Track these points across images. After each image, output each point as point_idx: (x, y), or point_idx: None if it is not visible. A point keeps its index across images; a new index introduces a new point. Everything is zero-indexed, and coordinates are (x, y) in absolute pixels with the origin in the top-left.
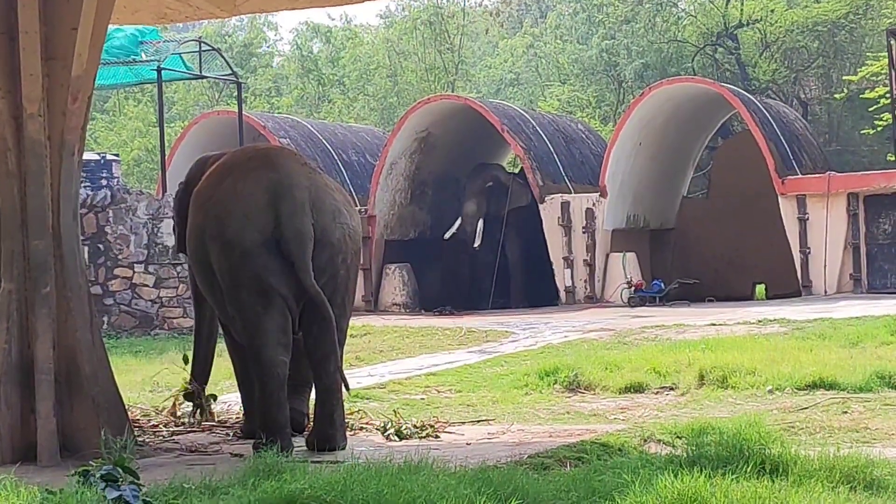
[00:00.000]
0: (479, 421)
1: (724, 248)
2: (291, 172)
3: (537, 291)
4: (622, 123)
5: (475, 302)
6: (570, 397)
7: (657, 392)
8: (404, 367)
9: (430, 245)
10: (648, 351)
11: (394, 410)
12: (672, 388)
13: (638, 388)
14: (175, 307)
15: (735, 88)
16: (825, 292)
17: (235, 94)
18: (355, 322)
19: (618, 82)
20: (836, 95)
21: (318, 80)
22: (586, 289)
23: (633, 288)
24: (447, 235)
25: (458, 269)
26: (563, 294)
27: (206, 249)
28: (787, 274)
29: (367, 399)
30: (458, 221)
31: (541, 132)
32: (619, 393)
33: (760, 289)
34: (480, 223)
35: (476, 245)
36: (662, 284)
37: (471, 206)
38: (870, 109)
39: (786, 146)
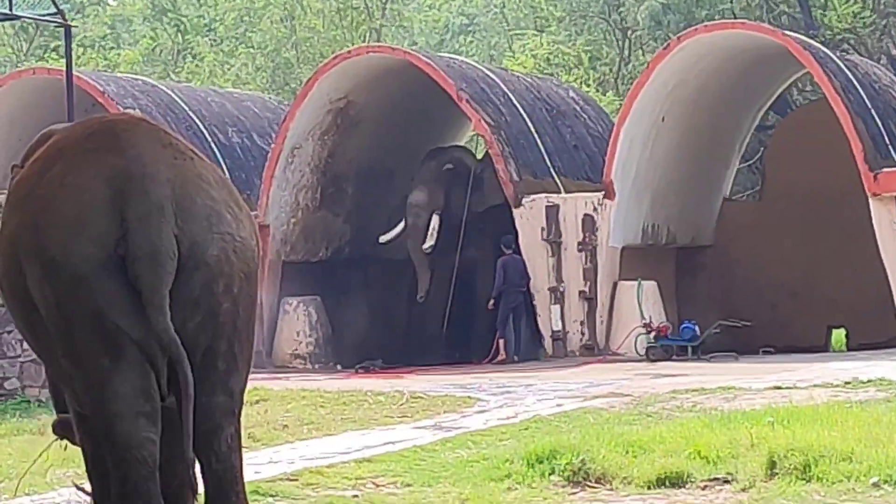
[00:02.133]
0: None
1: (786, 276)
2: (146, 157)
3: (510, 337)
4: (636, 91)
5: (418, 353)
6: (574, 494)
7: (705, 486)
8: (323, 450)
9: (348, 269)
10: (687, 426)
11: None
12: (728, 481)
13: (677, 481)
14: None
15: (804, 39)
16: None
17: (58, 43)
18: None
19: (622, 31)
20: None
21: (177, 25)
22: (584, 334)
23: (653, 333)
24: (384, 238)
25: (392, 304)
26: (548, 342)
27: (21, 271)
28: (880, 313)
29: (273, 496)
30: (403, 222)
31: (515, 102)
32: (649, 488)
33: (839, 335)
34: (435, 219)
35: (426, 246)
36: (697, 328)
37: (419, 196)
38: None
39: (879, 124)
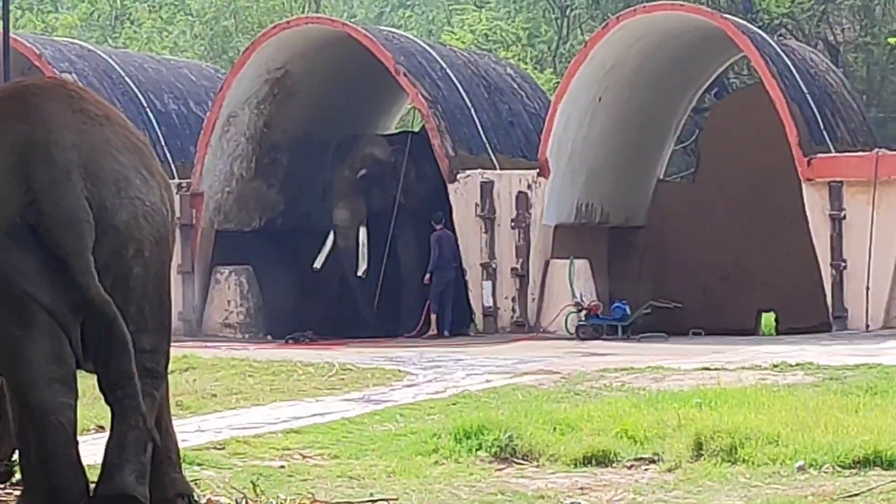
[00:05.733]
0: (372, 502)
1: (718, 258)
2: (52, 122)
3: (442, 312)
4: (574, 69)
5: (348, 326)
6: (501, 470)
7: (631, 465)
8: (250, 420)
9: (281, 239)
10: (615, 405)
11: (251, 482)
12: (653, 461)
13: (603, 460)
14: None
15: (742, 23)
16: (867, 326)
17: None
18: (172, 352)
19: (561, 9)
20: (889, 40)
21: None
22: (514, 311)
23: (584, 312)
24: (318, 264)
25: (323, 276)
26: (479, 318)
27: None
28: (810, 298)
29: (199, 465)
30: (330, 240)
31: (453, 77)
32: (576, 466)
33: (769, 318)
34: (363, 233)
35: (360, 273)
36: (627, 308)
37: (343, 215)
38: None
39: (815, 110)
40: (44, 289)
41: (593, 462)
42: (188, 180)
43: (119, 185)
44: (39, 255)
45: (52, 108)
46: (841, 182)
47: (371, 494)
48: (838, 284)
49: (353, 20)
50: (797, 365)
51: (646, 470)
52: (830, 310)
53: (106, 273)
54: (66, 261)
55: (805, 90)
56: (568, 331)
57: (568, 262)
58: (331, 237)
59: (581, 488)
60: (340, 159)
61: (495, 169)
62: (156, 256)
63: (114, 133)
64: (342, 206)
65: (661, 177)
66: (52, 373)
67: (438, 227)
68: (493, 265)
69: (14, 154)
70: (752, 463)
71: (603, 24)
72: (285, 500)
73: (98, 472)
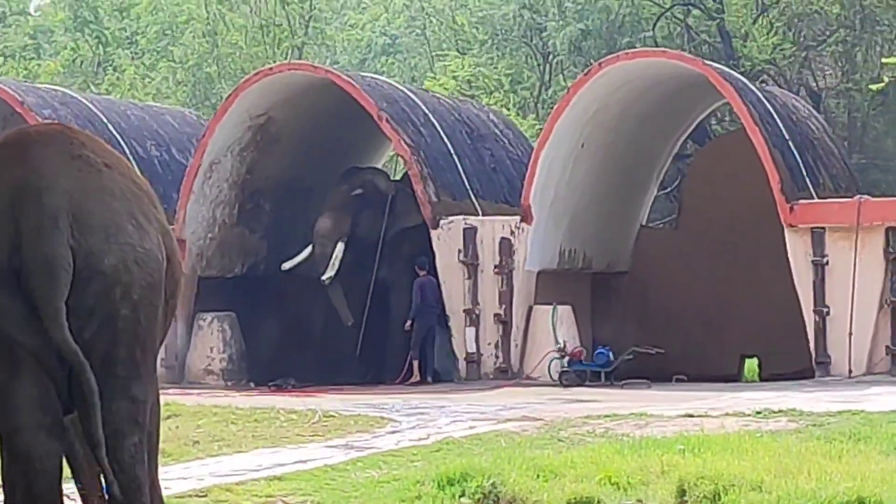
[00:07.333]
0: None
1: (701, 304)
2: (46, 169)
3: (424, 359)
4: (557, 115)
5: (331, 372)
6: None
7: None
8: (233, 467)
9: (264, 286)
10: (599, 452)
11: None
12: None
13: None
14: None
15: (724, 69)
16: (849, 372)
17: None
18: None
19: (543, 55)
20: (871, 86)
21: (98, 36)
22: (497, 357)
23: (567, 358)
24: (287, 266)
25: (306, 322)
26: (462, 364)
27: None
28: (793, 344)
29: None
30: (309, 248)
31: (435, 123)
32: None
33: (752, 365)
34: (340, 247)
35: (325, 277)
36: (611, 354)
37: (325, 223)
38: None
39: (797, 156)
40: (30, 334)
41: None
42: (171, 227)
43: (108, 232)
44: (26, 300)
45: (49, 153)
46: (823, 228)
47: None
48: (821, 330)
49: (335, 66)
50: (780, 411)
51: None
52: (813, 356)
53: (92, 317)
54: (39, 306)
55: (787, 136)
56: (551, 377)
57: (551, 307)
58: (309, 247)
59: None
60: (342, 180)
61: (478, 215)
62: (147, 300)
63: (111, 180)
64: (327, 216)
65: (644, 222)
66: (38, 419)
67: (422, 272)
68: (477, 311)
69: (7, 198)
70: None
71: (585, 71)
72: None
73: None
